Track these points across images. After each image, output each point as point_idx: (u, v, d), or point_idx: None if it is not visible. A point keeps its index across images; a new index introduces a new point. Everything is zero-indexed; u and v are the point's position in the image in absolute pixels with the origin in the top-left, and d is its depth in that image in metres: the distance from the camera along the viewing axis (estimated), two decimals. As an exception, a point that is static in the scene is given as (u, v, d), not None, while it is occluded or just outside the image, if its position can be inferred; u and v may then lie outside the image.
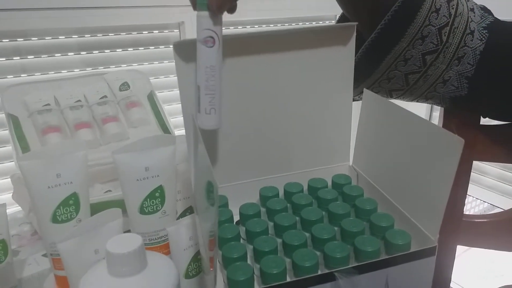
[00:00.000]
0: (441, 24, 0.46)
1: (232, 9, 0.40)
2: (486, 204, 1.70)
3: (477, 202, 1.75)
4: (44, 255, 0.56)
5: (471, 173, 0.57)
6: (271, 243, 0.35)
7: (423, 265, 0.34)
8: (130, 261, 0.32)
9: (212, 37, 0.37)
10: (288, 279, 0.33)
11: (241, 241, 0.39)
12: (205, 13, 0.37)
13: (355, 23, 0.44)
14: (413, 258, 0.33)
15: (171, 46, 1.04)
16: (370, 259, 0.33)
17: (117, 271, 0.32)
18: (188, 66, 0.41)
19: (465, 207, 0.57)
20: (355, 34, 0.44)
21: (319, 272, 0.33)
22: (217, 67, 0.38)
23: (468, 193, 0.58)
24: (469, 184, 0.58)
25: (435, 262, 0.35)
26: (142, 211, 0.46)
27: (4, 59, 0.84)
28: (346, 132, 0.49)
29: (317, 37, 0.44)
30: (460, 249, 0.61)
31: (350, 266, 0.31)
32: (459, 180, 0.56)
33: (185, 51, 0.40)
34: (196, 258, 0.45)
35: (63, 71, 0.89)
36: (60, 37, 0.88)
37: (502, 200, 1.56)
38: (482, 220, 0.59)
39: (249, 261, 0.36)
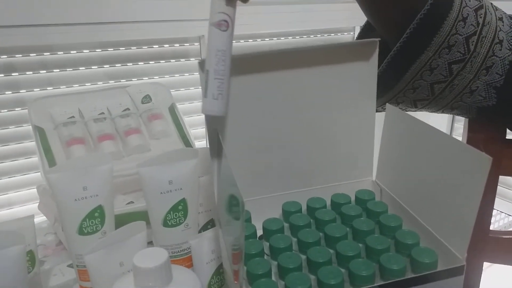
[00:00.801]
0: (468, 33, 0.45)
1: None
2: (511, 217, 1.66)
3: (501, 216, 1.70)
4: (69, 266, 0.57)
5: (499, 186, 0.56)
6: (296, 260, 0.35)
7: (450, 284, 0.33)
8: (157, 275, 0.32)
9: (226, 21, 0.37)
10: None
11: (265, 256, 0.39)
12: None
13: (378, 39, 0.44)
14: (440, 277, 0.33)
15: (192, 59, 1.06)
16: (396, 278, 0.32)
17: (144, 285, 0.32)
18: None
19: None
20: (377, 50, 0.44)
21: (344, 290, 0.33)
22: (228, 52, 0.37)
23: (495, 207, 0.57)
24: (496, 198, 0.57)
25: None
26: (165, 223, 0.47)
27: (31, 72, 0.87)
28: (369, 147, 0.48)
29: (339, 53, 0.44)
30: (484, 264, 0.59)
31: (376, 284, 0.31)
32: (486, 196, 0.55)
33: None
34: (219, 271, 0.45)
35: (87, 84, 0.92)
36: (84, 51, 0.90)
37: (527, 213, 1.51)
38: (509, 237, 0.57)
39: (273, 277, 0.36)
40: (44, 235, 0.67)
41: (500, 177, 0.56)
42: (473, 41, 0.45)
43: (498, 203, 1.54)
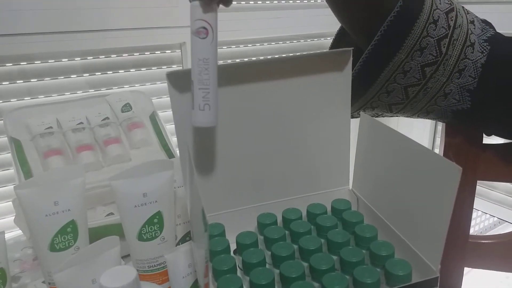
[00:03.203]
0: (440, 35, 0.45)
1: (227, 1, 0.37)
2: (494, 218, 1.67)
3: (486, 216, 1.72)
4: (44, 282, 0.56)
5: (479, 187, 0.56)
6: (268, 276, 0.34)
7: (425, 296, 0.33)
8: (124, 295, 0.31)
9: (205, 28, 0.35)
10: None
11: (238, 271, 0.38)
12: (198, 3, 0.35)
13: (351, 48, 0.44)
14: (414, 290, 0.32)
15: (174, 66, 1.04)
16: (370, 291, 0.32)
17: (112, 305, 0.31)
18: (182, 96, 0.41)
19: (473, 221, 0.56)
20: (351, 59, 0.44)
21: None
22: (211, 60, 0.36)
23: (476, 207, 0.57)
24: (477, 198, 0.57)
25: (442, 285, 0.34)
26: (140, 237, 0.46)
27: (8, 82, 0.85)
28: (345, 156, 0.48)
29: (313, 64, 0.43)
30: (465, 269, 0.59)
31: (348, 299, 0.30)
32: (464, 201, 0.55)
33: (179, 80, 0.40)
34: (196, 285, 0.44)
35: (66, 93, 0.90)
36: (63, 59, 0.89)
37: (511, 214, 1.53)
38: (488, 241, 0.57)
39: (245, 293, 0.35)
40: (21, 249, 0.66)
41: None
42: (445, 44, 0.45)
43: (482, 204, 1.55)
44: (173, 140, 0.77)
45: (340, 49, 0.43)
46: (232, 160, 0.45)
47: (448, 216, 0.31)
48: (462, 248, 0.56)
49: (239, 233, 0.41)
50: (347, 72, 0.44)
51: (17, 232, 0.71)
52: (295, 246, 0.39)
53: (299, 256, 0.38)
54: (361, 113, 0.45)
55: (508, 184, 1.56)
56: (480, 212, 1.67)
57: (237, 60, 0.89)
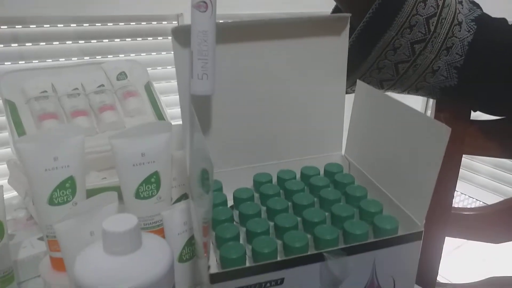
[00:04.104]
0: (428, 14, 0.47)
1: None
2: (479, 202, 1.73)
3: (469, 201, 1.77)
4: (40, 239, 0.57)
5: (464, 171, 0.59)
6: (263, 225, 0.36)
7: (409, 249, 0.35)
8: (126, 239, 0.32)
9: (204, 2, 0.38)
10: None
11: (234, 223, 0.39)
12: None
13: (349, 14, 0.45)
14: (400, 242, 0.34)
15: (170, 37, 1.04)
16: (359, 242, 0.34)
17: (113, 249, 0.32)
18: (186, 52, 0.42)
19: (457, 205, 0.59)
20: (348, 25, 0.45)
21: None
22: (209, 32, 0.38)
23: (461, 191, 0.60)
24: (462, 182, 0.60)
25: (423, 253, 0.36)
26: (137, 196, 0.47)
27: (2, 45, 0.84)
28: (339, 122, 0.50)
29: (311, 27, 0.44)
30: (451, 246, 0.62)
31: (338, 247, 0.32)
32: (448, 173, 0.58)
33: (184, 37, 0.41)
34: (190, 242, 0.46)
35: (60, 59, 0.90)
36: (58, 25, 0.88)
37: (494, 198, 1.58)
38: (470, 213, 0.60)
39: (241, 242, 0.37)
40: (14, 210, 0.66)
41: (470, 163, 0.59)
42: (433, 22, 0.47)
43: (467, 187, 1.60)
44: (168, 111, 0.78)
45: (338, 14, 0.45)
46: (228, 121, 0.46)
47: (435, 175, 0.33)
48: (445, 218, 0.59)
49: (235, 189, 0.43)
50: (344, 38, 0.45)
51: (9, 195, 0.71)
52: (289, 203, 0.40)
53: (293, 212, 0.40)
54: (358, 80, 0.47)
55: (491, 168, 1.61)
56: (464, 196, 1.72)
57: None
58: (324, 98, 0.48)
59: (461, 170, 0.60)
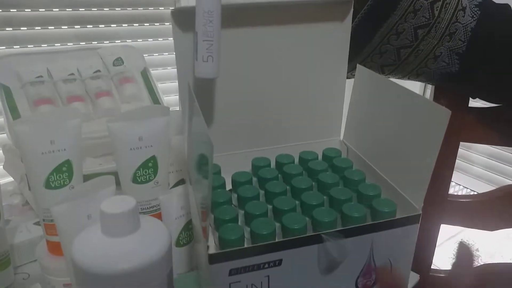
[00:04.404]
0: None
1: None
2: (474, 193, 1.74)
3: (465, 191, 1.79)
4: (36, 224, 0.57)
5: (460, 162, 0.59)
6: (262, 207, 0.36)
7: (407, 232, 0.35)
8: (124, 221, 0.32)
9: None
10: (278, 242, 0.34)
11: (233, 206, 0.39)
12: None
13: (352, -1, 0.45)
14: (397, 225, 0.34)
15: (166, 23, 1.03)
16: (357, 224, 0.34)
17: (111, 230, 0.32)
18: (185, 34, 0.41)
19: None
20: (351, 10, 0.44)
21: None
22: (215, 13, 0.37)
23: (457, 182, 0.60)
24: (458, 173, 0.60)
25: (419, 240, 0.36)
26: (135, 180, 0.47)
27: (-5, 29, 0.83)
28: (339, 107, 0.50)
29: (314, 11, 0.44)
30: (446, 235, 0.63)
31: (336, 229, 0.32)
32: (446, 160, 0.58)
33: (183, 18, 0.41)
34: (187, 227, 0.46)
35: (56, 44, 0.88)
36: (54, 9, 0.86)
37: (489, 188, 1.59)
38: (466, 200, 0.60)
39: (240, 224, 0.37)
40: (10, 196, 0.66)
41: (466, 153, 0.59)
42: (438, 7, 0.47)
43: (463, 178, 1.61)
44: (165, 98, 0.77)
45: None
46: (228, 106, 0.46)
47: (434, 157, 0.33)
48: (441, 206, 0.59)
49: (234, 172, 0.43)
50: (347, 23, 0.45)
51: (3, 181, 0.71)
52: (288, 187, 0.40)
53: (291, 195, 0.40)
54: (358, 65, 0.46)
55: (487, 159, 1.62)
56: (460, 187, 1.74)
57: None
58: (324, 83, 0.48)
59: (456, 161, 0.60)
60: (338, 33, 0.46)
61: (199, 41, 0.38)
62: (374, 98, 0.44)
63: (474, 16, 0.49)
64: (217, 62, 0.39)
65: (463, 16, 0.48)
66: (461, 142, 0.57)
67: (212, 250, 0.32)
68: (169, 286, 0.34)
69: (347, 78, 0.52)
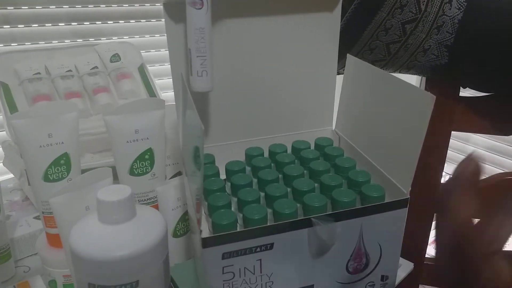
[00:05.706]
0: None
1: None
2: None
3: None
4: (36, 218, 0.58)
5: (457, 154, 0.59)
6: (254, 194, 0.37)
7: (396, 216, 0.36)
8: (120, 209, 0.33)
9: None
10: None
11: (226, 194, 0.40)
12: None
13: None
14: (386, 209, 0.35)
15: (163, 20, 1.03)
16: (346, 208, 0.35)
17: (107, 218, 0.33)
18: (178, 26, 0.42)
19: None
20: (341, 0, 0.45)
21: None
22: (206, 29, 0.39)
23: (448, 172, 0.60)
24: (454, 165, 0.61)
25: (413, 231, 0.37)
26: (132, 172, 0.47)
27: (-8, 27, 0.83)
28: (330, 97, 0.50)
29: (304, 2, 0.45)
30: None
31: (326, 213, 0.33)
32: (437, 150, 0.59)
33: (175, 11, 0.41)
34: (184, 218, 0.47)
35: (53, 42, 0.89)
36: (51, 6, 0.87)
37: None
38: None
39: (233, 211, 0.38)
40: (10, 192, 0.67)
41: (462, 145, 0.59)
42: (424, 1, 0.48)
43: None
44: (162, 94, 0.78)
45: None
46: (221, 97, 0.47)
47: (421, 141, 0.34)
48: (433, 193, 0.60)
49: (228, 161, 0.44)
50: (337, 13, 0.45)
51: (4, 177, 0.72)
52: (280, 175, 0.41)
53: (283, 182, 0.41)
54: (348, 55, 0.47)
55: (481, 151, 1.63)
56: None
57: None
58: (316, 74, 0.49)
59: (452, 153, 0.61)
60: (328, 24, 0.46)
61: (193, 58, 0.40)
62: (364, 87, 0.45)
63: (461, 8, 0.50)
64: (211, 75, 0.41)
65: (450, 9, 0.49)
66: (458, 136, 0.58)
67: (206, 235, 0.32)
68: (166, 272, 0.35)
69: (338, 74, 0.53)
